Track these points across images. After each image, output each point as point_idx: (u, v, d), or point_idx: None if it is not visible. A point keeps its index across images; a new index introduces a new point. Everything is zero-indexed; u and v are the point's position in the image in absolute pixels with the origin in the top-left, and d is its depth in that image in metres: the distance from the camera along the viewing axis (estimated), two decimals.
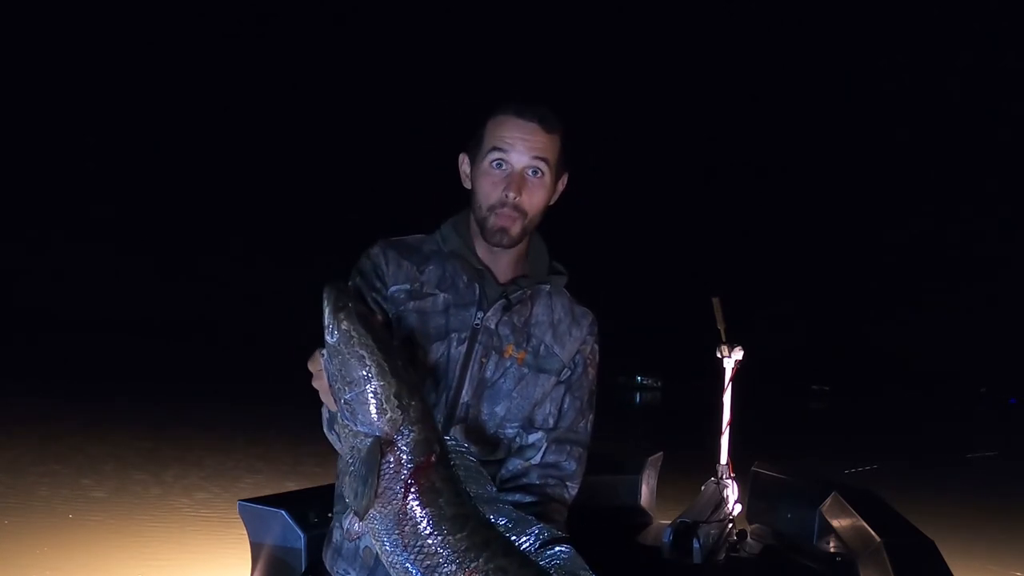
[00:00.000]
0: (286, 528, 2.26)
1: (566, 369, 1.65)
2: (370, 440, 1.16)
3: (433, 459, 1.19)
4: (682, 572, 2.89)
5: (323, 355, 1.20)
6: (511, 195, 1.56)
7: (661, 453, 3.95)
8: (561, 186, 1.67)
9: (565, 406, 1.65)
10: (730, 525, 3.35)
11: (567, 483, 1.63)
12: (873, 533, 2.67)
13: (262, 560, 2.34)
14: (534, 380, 1.62)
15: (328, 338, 1.18)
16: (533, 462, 1.61)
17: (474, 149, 1.62)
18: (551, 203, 1.65)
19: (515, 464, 1.61)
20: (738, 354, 3.65)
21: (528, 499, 1.56)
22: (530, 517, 1.26)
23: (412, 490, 1.17)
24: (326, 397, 1.27)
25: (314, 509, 2.28)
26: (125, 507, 6.23)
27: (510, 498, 1.46)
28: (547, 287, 1.68)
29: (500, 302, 1.61)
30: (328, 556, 1.69)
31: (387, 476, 1.17)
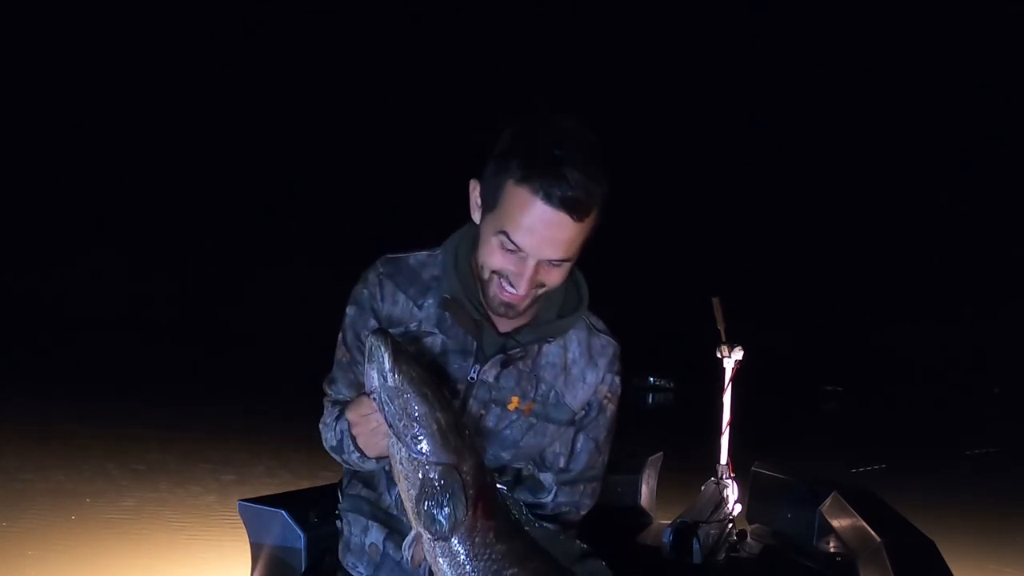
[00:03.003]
0: (286, 528, 2.26)
1: (577, 415, 1.55)
2: (440, 467, 1.25)
3: (490, 480, 1.31)
4: (682, 572, 2.89)
5: (375, 399, 1.28)
6: (521, 289, 1.36)
7: (661, 453, 3.95)
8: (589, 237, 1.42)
9: (578, 447, 1.56)
10: (730, 525, 3.35)
11: (580, 511, 1.61)
12: (873, 533, 2.68)
13: (262, 560, 2.35)
14: (543, 429, 1.53)
15: (388, 381, 1.26)
16: (543, 501, 1.57)
17: (489, 193, 1.36)
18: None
19: (526, 499, 1.54)
20: (738, 354, 3.65)
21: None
22: (564, 536, 1.40)
23: (480, 508, 1.27)
24: (368, 441, 1.40)
25: (314, 509, 2.28)
26: (125, 508, 6.24)
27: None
28: (552, 341, 1.51)
29: (498, 357, 1.47)
30: (340, 551, 1.73)
31: None
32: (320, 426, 1.59)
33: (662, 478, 4.02)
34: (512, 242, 1.31)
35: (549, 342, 1.51)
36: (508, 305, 1.40)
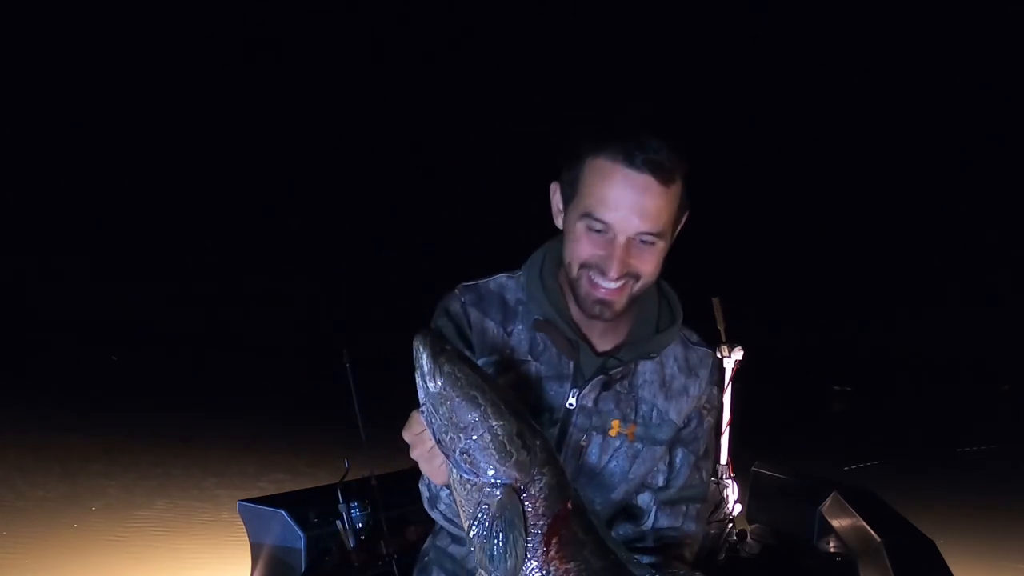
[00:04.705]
0: (286, 528, 2.26)
1: (680, 428, 1.42)
2: (499, 490, 1.02)
3: (570, 506, 1.06)
4: None
5: (423, 411, 1.08)
6: (612, 273, 1.22)
7: None
8: (680, 227, 1.34)
9: (677, 462, 1.42)
10: (730, 525, 3.36)
11: (687, 542, 1.43)
12: (873, 533, 2.68)
13: (262, 560, 2.35)
14: (650, 454, 1.39)
15: (430, 386, 1.06)
16: (645, 527, 1.41)
17: (567, 186, 1.28)
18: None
19: (625, 530, 1.40)
20: (738, 354, 3.65)
21: (647, 561, 1.34)
22: (671, 569, 1.16)
23: (554, 543, 1.03)
24: (429, 466, 1.11)
25: (314, 509, 2.28)
26: (127, 514, 6.24)
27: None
28: (655, 357, 1.39)
29: (599, 378, 1.34)
30: (417, 570, 1.56)
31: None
32: (420, 486, 1.38)
33: None
34: (598, 220, 1.20)
35: (651, 358, 1.38)
36: (603, 303, 1.26)
